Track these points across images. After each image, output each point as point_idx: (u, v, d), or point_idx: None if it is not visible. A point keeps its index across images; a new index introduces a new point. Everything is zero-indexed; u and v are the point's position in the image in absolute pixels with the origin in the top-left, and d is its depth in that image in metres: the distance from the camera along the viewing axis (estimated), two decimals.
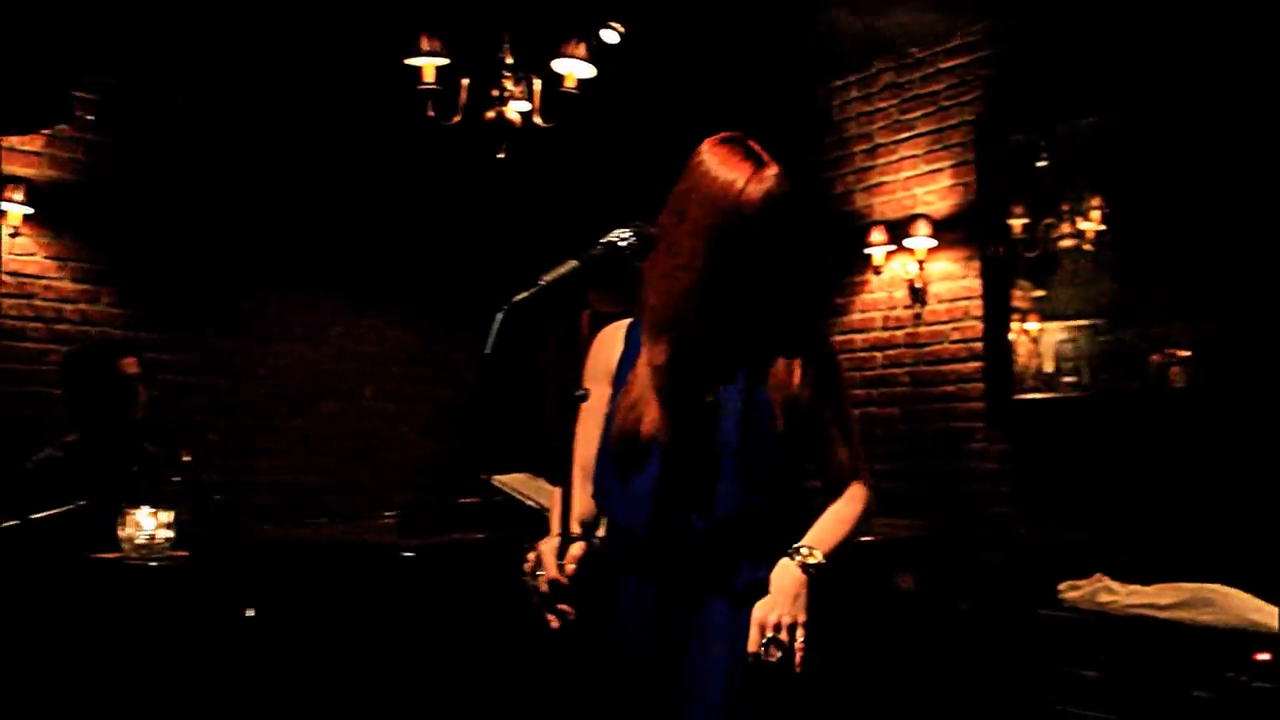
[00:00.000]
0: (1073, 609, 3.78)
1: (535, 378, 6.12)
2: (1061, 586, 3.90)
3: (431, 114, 4.36)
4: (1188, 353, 4.40)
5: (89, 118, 5.07)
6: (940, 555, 4.51)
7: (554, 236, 2.04)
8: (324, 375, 5.88)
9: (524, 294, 1.97)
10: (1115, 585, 3.74)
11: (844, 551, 1.99)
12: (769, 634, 1.88)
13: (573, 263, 2.01)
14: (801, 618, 1.89)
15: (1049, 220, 4.97)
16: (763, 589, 1.93)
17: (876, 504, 2.08)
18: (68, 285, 5.08)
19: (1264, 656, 3.22)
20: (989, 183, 5.18)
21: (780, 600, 1.90)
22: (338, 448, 5.84)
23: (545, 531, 2.14)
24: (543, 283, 1.99)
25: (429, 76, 4.33)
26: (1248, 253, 4.20)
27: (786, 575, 1.93)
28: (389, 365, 6.10)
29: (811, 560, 1.93)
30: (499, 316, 1.93)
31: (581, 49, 4.40)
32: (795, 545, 1.96)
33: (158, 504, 3.02)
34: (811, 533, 2.00)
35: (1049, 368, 4.90)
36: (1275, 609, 3.39)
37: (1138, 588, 3.70)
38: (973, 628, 4.09)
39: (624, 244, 2.05)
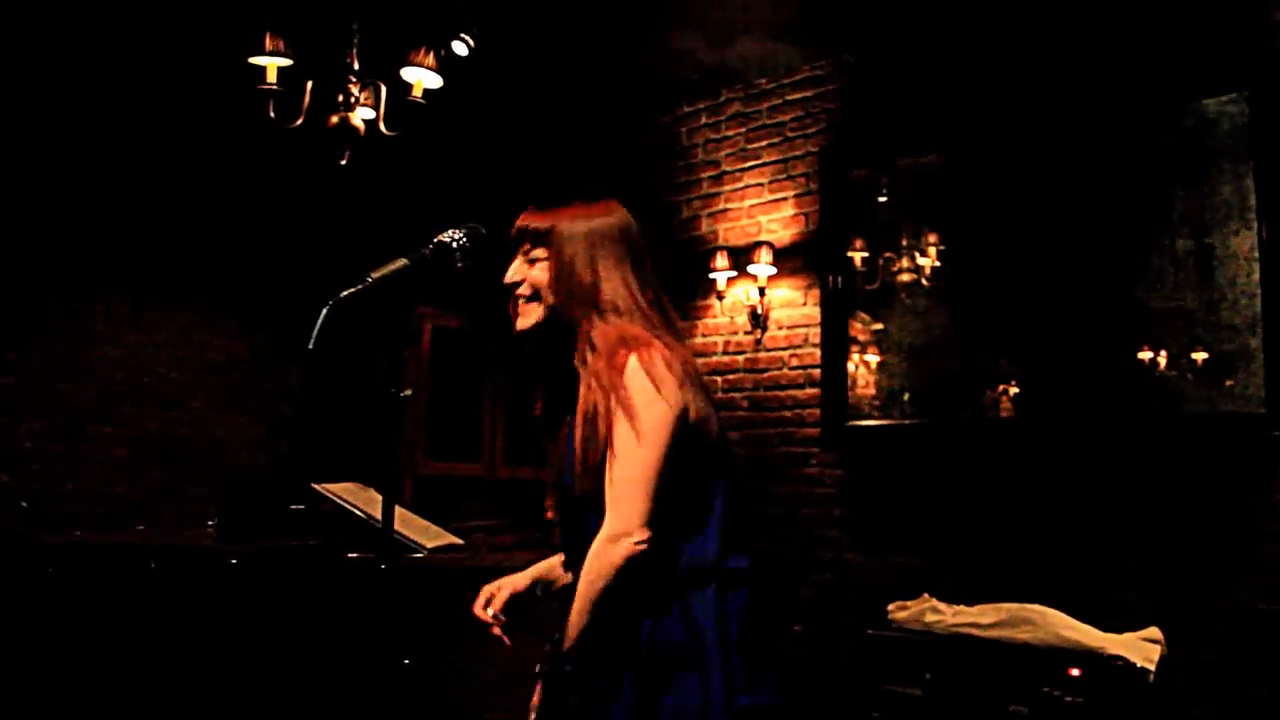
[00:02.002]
0: (900, 629, 3.86)
1: (363, 387, 6.01)
2: (891, 607, 3.98)
3: (273, 116, 4.24)
4: (1014, 385, 4.56)
5: None
6: (774, 577, 4.56)
7: (393, 245, 1.98)
8: (151, 383, 5.63)
9: (351, 290, 1.93)
10: (941, 606, 3.83)
11: (594, 634, 1.86)
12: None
13: (403, 261, 1.98)
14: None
15: (888, 254, 5.10)
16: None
17: (618, 552, 1.85)
18: None
19: (1076, 672, 3.34)
20: (830, 214, 5.30)
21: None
22: (164, 457, 5.60)
23: (370, 540, 2.09)
24: (371, 279, 1.95)
25: (271, 77, 4.21)
26: (1071, 291, 4.38)
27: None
28: (219, 374, 5.89)
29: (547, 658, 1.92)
30: (324, 311, 1.88)
31: (430, 58, 4.34)
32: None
33: None
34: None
35: (883, 396, 5.02)
36: (1089, 627, 3.53)
37: (962, 608, 3.80)
38: (805, 647, 4.14)
39: (455, 244, 2.03)
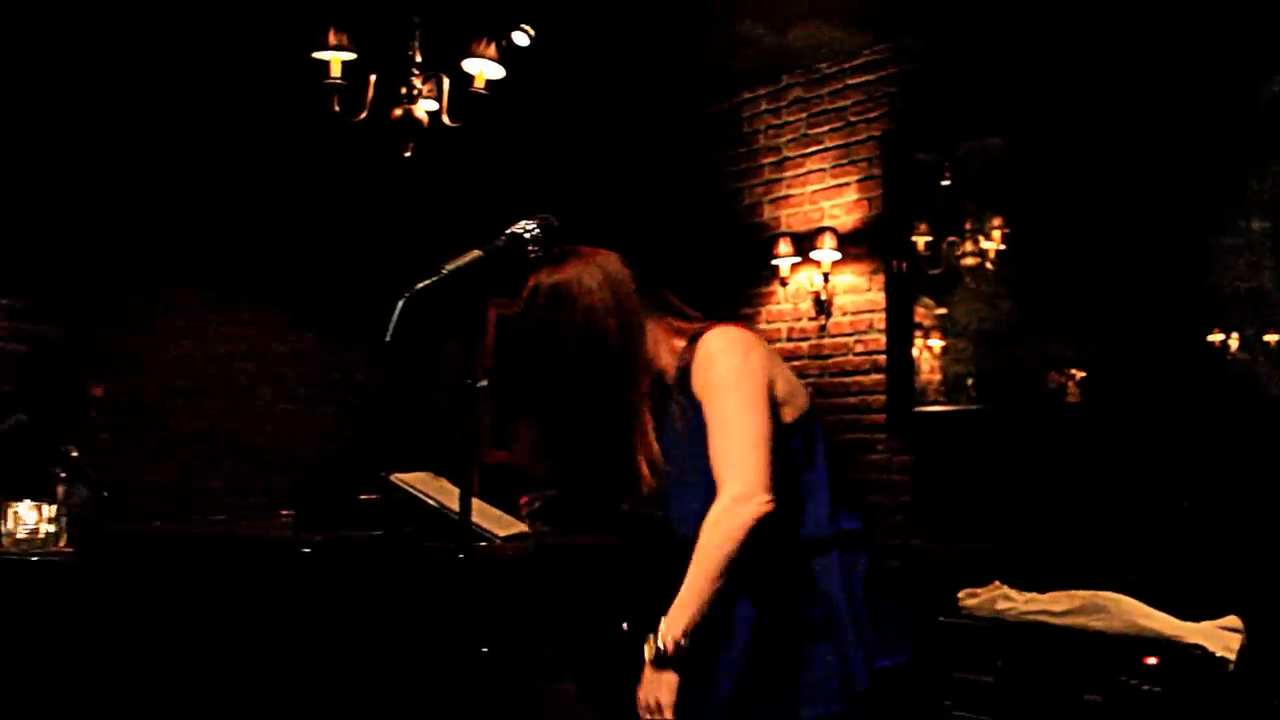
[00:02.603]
0: (971, 616, 3.82)
1: (432, 378, 6.05)
2: (961, 594, 3.95)
3: (337, 110, 4.28)
4: (1082, 369, 4.50)
5: None
6: None
7: (458, 238, 1.99)
8: (220, 375, 5.72)
9: (426, 282, 1.94)
10: (1013, 593, 3.79)
11: (715, 607, 1.85)
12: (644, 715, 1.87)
13: (476, 252, 1.99)
14: (664, 699, 1.84)
15: (952, 238, 5.04)
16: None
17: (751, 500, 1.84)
18: None
19: (1153, 661, 3.29)
20: (894, 199, 5.25)
21: (645, 679, 1.88)
22: (233, 449, 5.69)
23: (444, 528, 2.10)
24: (445, 271, 1.96)
25: (335, 71, 4.25)
26: (1139, 273, 4.31)
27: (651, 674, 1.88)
28: (287, 366, 5.97)
29: (654, 648, 1.85)
30: (399, 304, 1.89)
31: (492, 49, 4.35)
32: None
33: (40, 499, 2.91)
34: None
35: (949, 382, 4.97)
36: (1165, 615, 3.47)
37: (1034, 595, 3.75)
38: None
39: (528, 235, 2.03)
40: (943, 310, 5.04)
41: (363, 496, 2.89)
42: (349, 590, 2.46)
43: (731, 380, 1.90)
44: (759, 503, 1.82)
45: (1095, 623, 3.48)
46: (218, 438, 5.68)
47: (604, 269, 2.04)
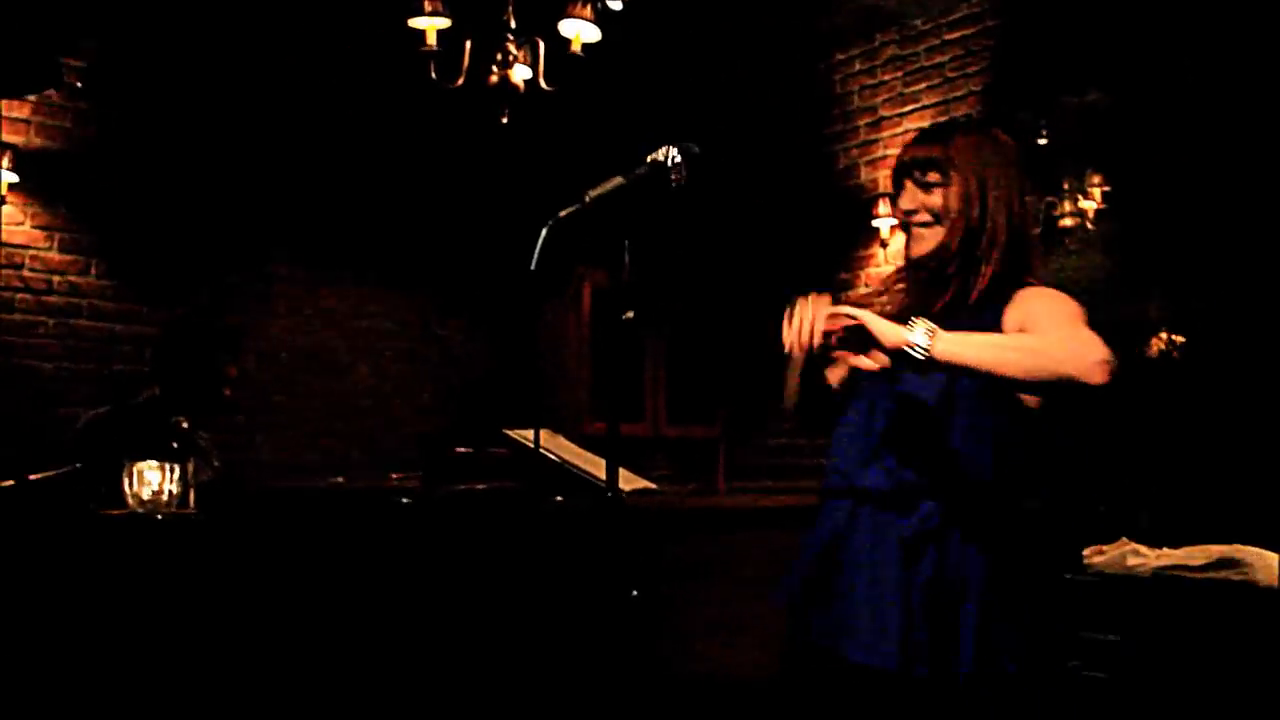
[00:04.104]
0: (1099, 574, 3.70)
1: (531, 353, 6.02)
2: (1087, 551, 3.82)
3: (434, 78, 4.25)
4: (1185, 329, 4.36)
5: (78, 85, 4.94)
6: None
7: (555, 204, 1.93)
8: (317, 352, 5.75)
9: (568, 210, 1.89)
10: (1143, 549, 3.66)
11: (987, 360, 1.77)
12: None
13: (619, 179, 1.94)
14: (865, 321, 1.80)
15: (1050, 198, 4.91)
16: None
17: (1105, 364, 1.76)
18: (56, 256, 4.95)
19: None
20: None
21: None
22: (331, 425, 5.72)
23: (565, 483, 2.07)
24: (588, 199, 1.91)
25: (431, 39, 4.22)
26: (1249, 227, 4.15)
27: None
28: (384, 343, 5.97)
29: (925, 328, 1.77)
30: (544, 231, 1.85)
31: (587, 10, 4.30)
32: None
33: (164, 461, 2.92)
34: None
35: None
36: None
37: (1167, 550, 3.62)
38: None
39: (671, 163, 1.97)
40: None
41: (490, 450, 2.85)
42: (479, 543, 2.43)
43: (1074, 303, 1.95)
44: (1103, 379, 1.76)
45: (1237, 576, 3.34)
46: (316, 414, 5.70)
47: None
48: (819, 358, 1.95)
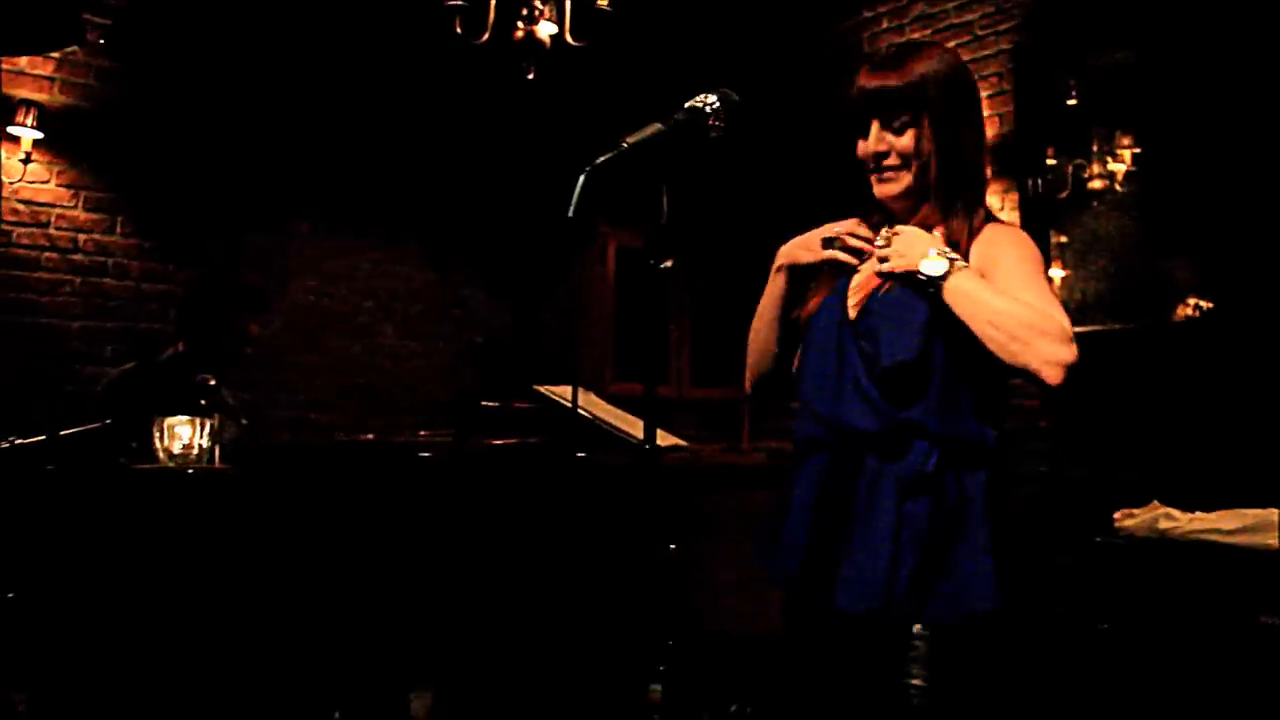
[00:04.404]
0: (1130, 537, 3.67)
1: (555, 314, 6.00)
2: (1117, 515, 3.79)
3: (459, 33, 4.21)
4: (1219, 290, 4.30)
5: (100, 41, 4.90)
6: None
7: (581, 162, 1.87)
8: (341, 313, 5.74)
9: (606, 156, 1.85)
10: (1175, 512, 3.62)
11: (977, 323, 1.77)
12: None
13: (656, 125, 1.90)
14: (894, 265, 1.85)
15: (1079, 160, 4.85)
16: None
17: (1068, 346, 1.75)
18: (81, 214, 4.94)
19: None
20: (1026, 115, 5.04)
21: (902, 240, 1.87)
22: (354, 386, 5.71)
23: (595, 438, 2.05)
24: (625, 144, 1.87)
25: None
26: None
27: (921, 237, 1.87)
28: (408, 304, 5.95)
29: (948, 257, 1.81)
30: (581, 179, 1.81)
31: None
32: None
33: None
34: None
35: (1079, 302, 4.77)
36: None
37: (1199, 514, 3.58)
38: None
39: (709, 110, 1.93)
40: (1071, 232, 4.84)
41: (515, 405, 2.84)
42: (514, 497, 2.41)
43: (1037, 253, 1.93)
44: (1067, 365, 1.74)
45: (1271, 540, 3.30)
46: (340, 375, 5.70)
47: None
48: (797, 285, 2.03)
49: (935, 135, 1.90)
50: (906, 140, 1.91)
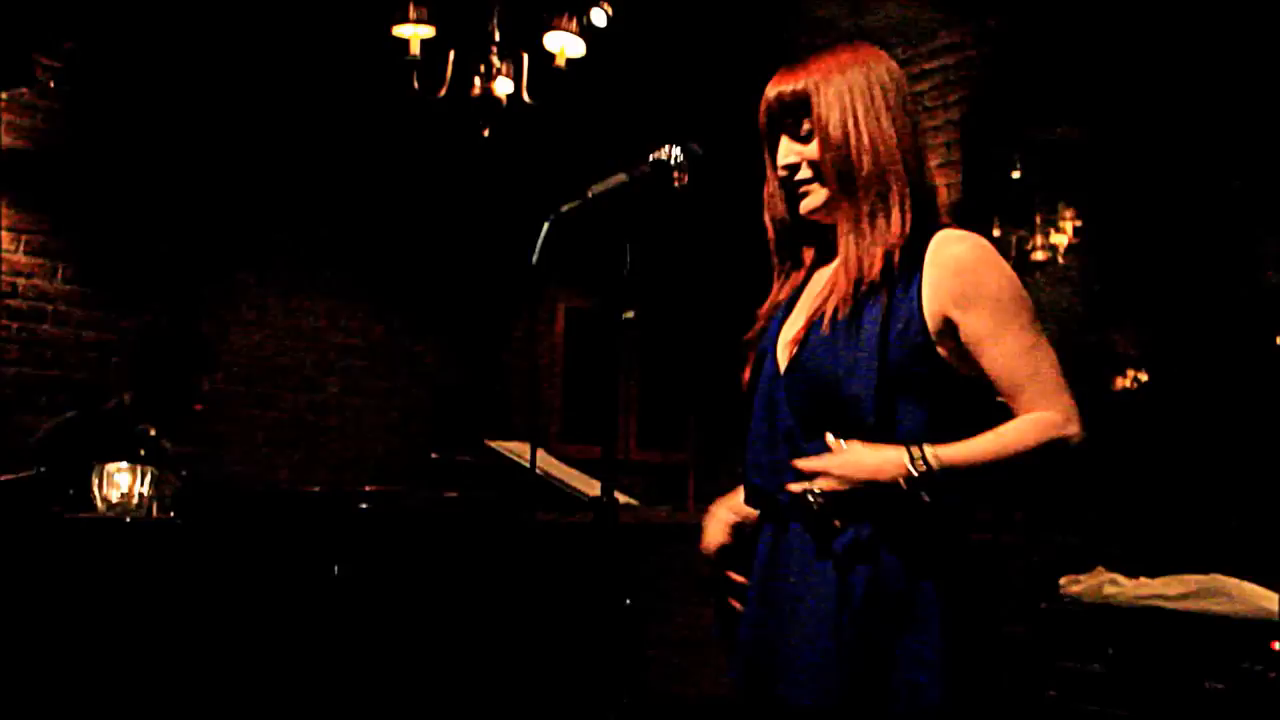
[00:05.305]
0: (1076, 602, 3.68)
1: (502, 372, 5.96)
2: (1063, 580, 3.81)
3: (416, 88, 4.21)
4: (1157, 360, 4.38)
5: (51, 84, 4.84)
6: None
7: (535, 220, 1.81)
8: (286, 365, 5.65)
9: (570, 205, 1.84)
10: (1121, 578, 3.66)
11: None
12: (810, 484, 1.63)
13: (621, 176, 1.89)
14: (838, 485, 1.61)
15: (1021, 232, 4.94)
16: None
17: (1075, 432, 1.63)
18: (22, 259, 4.83)
19: None
20: (973, 186, 5.13)
21: (848, 460, 1.62)
22: (301, 439, 5.62)
23: (546, 495, 2.01)
24: (590, 194, 1.86)
25: (415, 48, 4.18)
26: (1216, 260, 4.18)
27: (878, 460, 1.61)
28: (355, 357, 5.88)
29: (920, 456, 1.58)
30: (545, 226, 1.79)
31: (573, 24, 4.28)
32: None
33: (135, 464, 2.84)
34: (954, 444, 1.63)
35: None
36: None
37: (1144, 580, 3.61)
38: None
39: (674, 162, 1.93)
40: None
41: (460, 459, 2.80)
42: (468, 551, 2.37)
43: (1018, 292, 1.70)
44: (1081, 436, 1.64)
45: (1216, 606, 3.33)
46: (284, 428, 5.60)
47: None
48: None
49: (833, 131, 1.72)
50: (814, 148, 1.75)
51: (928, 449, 1.59)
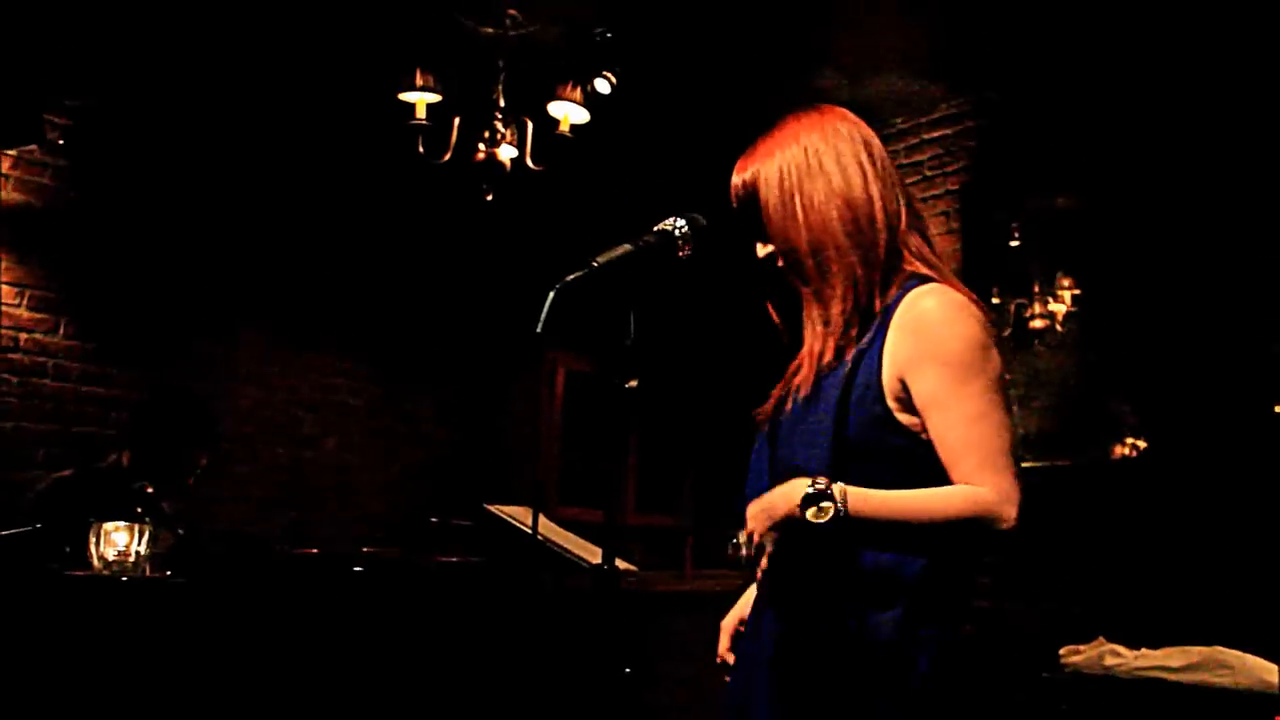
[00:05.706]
0: (1076, 673, 3.65)
1: (501, 434, 5.95)
2: (1063, 651, 3.79)
3: (421, 152, 4.26)
4: (1156, 429, 4.38)
5: (60, 142, 4.88)
6: None
7: (538, 286, 1.82)
8: (283, 423, 5.64)
9: (575, 275, 1.85)
10: (1122, 649, 3.63)
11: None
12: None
13: (626, 246, 1.90)
14: (764, 537, 1.61)
15: (1020, 300, 4.97)
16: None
17: (1007, 515, 1.55)
18: (24, 313, 4.84)
19: None
20: (972, 254, 5.17)
21: (761, 508, 1.62)
22: (296, 498, 5.60)
23: (542, 559, 2.02)
24: (595, 264, 1.87)
25: (421, 113, 4.24)
26: (1213, 331, 4.22)
27: (786, 489, 1.59)
28: (352, 417, 5.88)
29: (828, 495, 1.53)
30: (550, 295, 1.81)
31: (577, 93, 4.34)
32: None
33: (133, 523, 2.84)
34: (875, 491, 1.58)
35: (1029, 438, 4.83)
36: None
37: (1146, 651, 3.59)
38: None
39: (679, 233, 1.95)
40: (1007, 376, 4.93)
41: (458, 523, 2.80)
42: (463, 613, 2.36)
43: (978, 356, 1.61)
44: (1016, 517, 1.55)
45: (1218, 679, 3.31)
46: (280, 487, 5.59)
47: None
48: None
49: (775, 221, 1.76)
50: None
51: (836, 486, 1.55)
